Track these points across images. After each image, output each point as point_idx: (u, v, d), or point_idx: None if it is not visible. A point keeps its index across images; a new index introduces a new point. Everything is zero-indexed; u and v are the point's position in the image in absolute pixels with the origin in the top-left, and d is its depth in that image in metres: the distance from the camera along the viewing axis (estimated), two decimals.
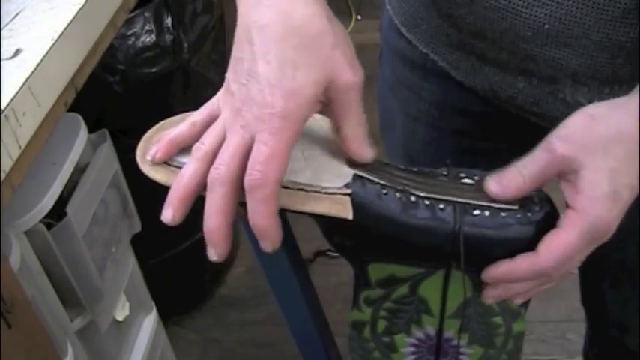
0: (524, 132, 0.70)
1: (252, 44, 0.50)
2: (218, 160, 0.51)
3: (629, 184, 0.52)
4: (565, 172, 0.53)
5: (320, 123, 0.63)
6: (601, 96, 0.64)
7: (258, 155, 0.49)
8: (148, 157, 0.57)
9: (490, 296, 0.59)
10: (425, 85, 0.77)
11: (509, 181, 0.55)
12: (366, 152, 0.56)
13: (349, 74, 0.52)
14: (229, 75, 0.53)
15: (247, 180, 0.49)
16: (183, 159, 0.58)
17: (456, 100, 0.75)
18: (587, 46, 0.61)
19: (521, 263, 0.54)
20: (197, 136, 0.55)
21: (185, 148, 0.58)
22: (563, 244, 0.52)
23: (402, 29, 0.77)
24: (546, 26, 0.61)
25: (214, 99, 0.56)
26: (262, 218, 0.50)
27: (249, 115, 0.50)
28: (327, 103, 0.53)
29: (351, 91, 0.52)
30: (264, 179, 0.49)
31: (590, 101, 0.63)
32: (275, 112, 0.49)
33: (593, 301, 0.96)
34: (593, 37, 0.60)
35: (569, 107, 0.63)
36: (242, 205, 0.53)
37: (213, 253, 0.53)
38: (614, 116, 0.52)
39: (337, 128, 0.55)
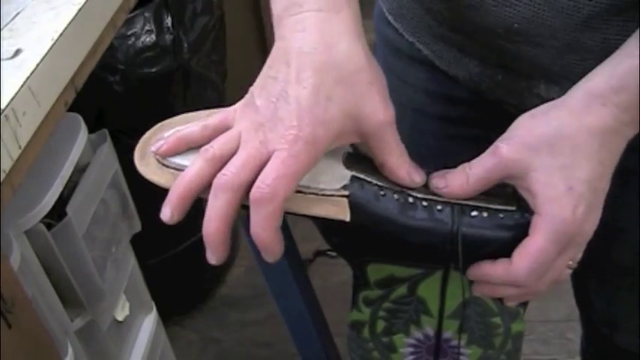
0: (507, 121, 0.71)
1: (290, 66, 0.51)
2: (228, 166, 0.51)
3: (586, 179, 0.51)
4: (516, 176, 0.53)
5: None
6: None
7: (272, 171, 0.49)
8: (152, 149, 0.57)
9: (478, 291, 0.59)
10: (411, 71, 0.78)
11: (453, 178, 0.56)
12: (415, 177, 0.56)
13: (382, 112, 0.53)
14: (255, 90, 0.54)
15: (255, 192, 0.50)
16: (181, 161, 0.58)
17: (441, 86, 0.76)
18: (556, 47, 0.62)
19: (497, 269, 0.55)
20: (207, 140, 0.55)
21: (186, 151, 0.58)
22: (532, 251, 0.52)
23: (390, 18, 0.78)
24: (515, 25, 0.62)
25: (231, 108, 0.56)
26: (264, 232, 0.51)
27: (272, 133, 0.50)
28: (362, 138, 0.54)
29: (386, 128, 0.54)
30: (272, 195, 0.49)
31: None
32: (301, 135, 0.49)
33: (582, 300, 0.97)
34: (561, 40, 0.61)
35: (544, 102, 0.65)
36: (244, 207, 0.53)
37: (212, 257, 0.54)
38: (553, 114, 0.53)
39: (380, 163, 0.56)
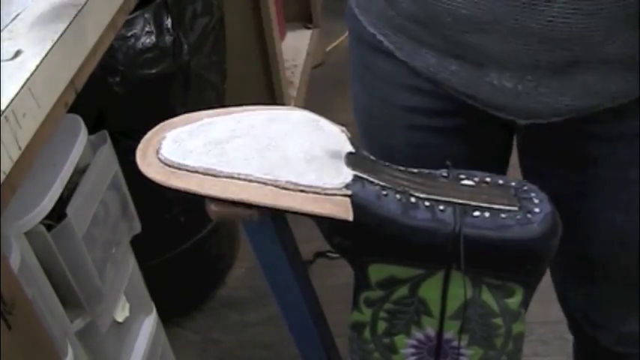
0: (467, 111, 0.74)
1: None
2: None
3: None
4: None
5: (321, 125, 0.63)
6: (524, 82, 0.67)
7: None
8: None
9: None
10: (377, 62, 0.80)
11: None
12: None
13: None
14: None
15: None
16: (183, 160, 0.58)
17: (404, 77, 0.78)
18: (502, 33, 0.64)
19: None
20: None
21: (192, 150, 0.58)
22: None
23: (356, 11, 0.80)
24: (463, 11, 0.64)
25: None
26: None
27: None
28: None
29: None
30: None
31: (514, 86, 0.67)
32: None
33: (563, 299, 0.98)
34: (505, 24, 0.63)
35: (497, 90, 0.68)
36: (247, 206, 0.53)
37: None
38: None
39: None
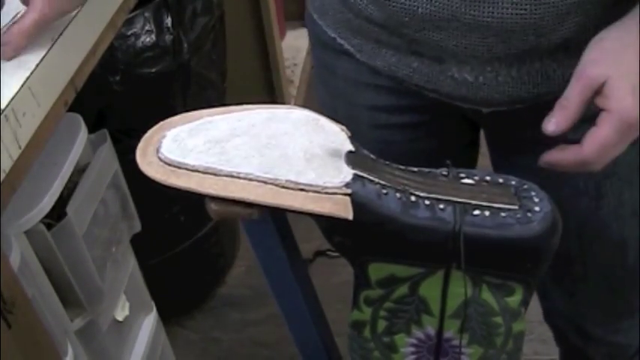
0: (431, 105, 0.77)
1: None
2: None
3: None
4: (597, 90, 0.61)
5: (321, 123, 0.63)
6: (484, 73, 0.70)
7: None
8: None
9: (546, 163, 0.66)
10: (338, 63, 0.82)
11: (556, 115, 0.62)
12: None
13: None
14: None
15: None
16: (183, 159, 0.58)
17: (366, 76, 0.80)
18: (458, 28, 0.66)
19: (568, 154, 0.63)
20: None
21: (192, 149, 0.58)
22: (601, 137, 0.60)
23: (315, 16, 0.82)
24: (420, 10, 0.66)
25: None
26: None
27: None
28: None
29: None
30: None
31: (475, 78, 0.70)
32: None
33: (546, 304, 0.98)
34: (462, 19, 0.65)
35: (458, 83, 0.71)
36: (247, 205, 0.53)
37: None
38: (614, 33, 0.62)
39: None
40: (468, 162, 0.91)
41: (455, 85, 0.72)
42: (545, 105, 0.64)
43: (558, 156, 0.64)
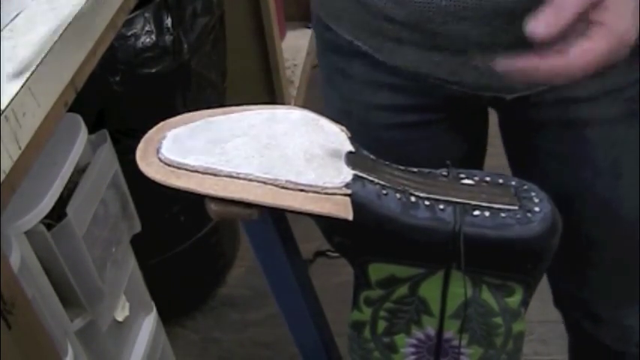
0: (449, 99, 0.77)
1: None
2: None
3: None
4: (596, 3, 0.57)
5: (320, 124, 0.63)
6: None
7: None
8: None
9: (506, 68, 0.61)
10: (353, 66, 0.82)
11: (550, 18, 0.57)
12: None
13: None
14: None
15: None
16: (183, 160, 0.58)
17: (382, 77, 0.80)
18: (483, 17, 0.66)
19: (552, 58, 0.58)
20: None
21: (192, 149, 0.58)
22: (592, 49, 0.57)
23: (327, 21, 0.82)
24: (443, 2, 0.66)
25: None
26: None
27: None
28: None
29: None
30: None
31: None
32: None
33: (557, 290, 0.98)
34: (486, 7, 0.65)
35: (482, 72, 0.71)
36: (247, 206, 0.53)
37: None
38: None
39: None
40: (480, 156, 0.92)
41: (479, 75, 0.72)
42: (565, 85, 0.64)
43: (539, 60, 0.60)
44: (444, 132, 0.84)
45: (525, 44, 0.67)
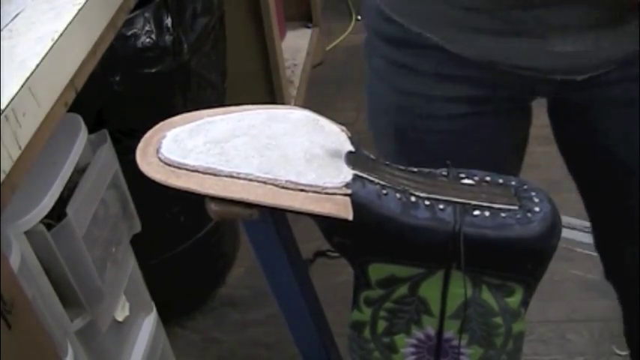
0: (520, 86, 0.78)
1: None
2: None
3: None
4: None
5: (321, 124, 0.63)
6: (586, 41, 0.71)
7: None
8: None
9: None
10: (420, 60, 0.81)
11: None
12: None
13: None
14: None
15: None
16: (183, 159, 0.58)
17: (452, 68, 0.80)
18: (568, 0, 0.67)
19: None
20: None
21: (192, 149, 0.58)
22: None
23: (393, 15, 0.81)
24: None
25: None
26: None
27: None
28: None
29: None
30: None
31: (577, 47, 0.71)
32: None
33: (607, 258, 0.98)
34: None
35: (559, 56, 0.72)
36: (247, 206, 0.53)
37: None
38: None
39: None
40: (524, 146, 0.93)
41: (554, 59, 0.73)
42: (632, 60, 0.66)
43: None
44: (506, 122, 0.85)
45: (602, 24, 0.69)
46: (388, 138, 0.90)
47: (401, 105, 0.86)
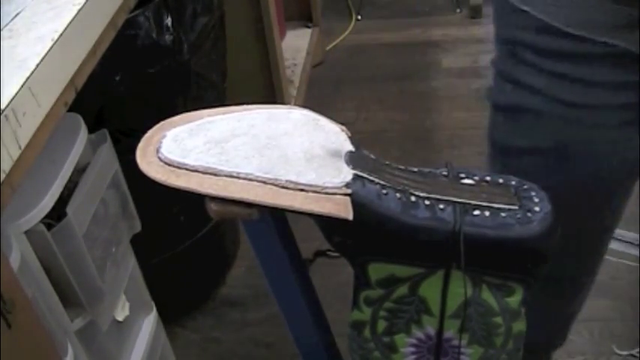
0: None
1: None
2: None
3: None
4: None
5: (321, 123, 0.63)
6: None
7: None
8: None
9: None
10: (598, 70, 0.80)
11: None
12: None
13: None
14: None
15: None
16: (183, 159, 0.58)
17: (630, 74, 0.79)
18: None
19: None
20: None
21: (192, 149, 0.58)
22: None
23: (569, 29, 0.80)
24: None
25: None
26: None
27: None
28: None
29: None
30: None
31: None
32: None
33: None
34: None
35: None
36: (247, 205, 0.53)
37: None
38: None
39: None
40: None
41: None
42: None
43: None
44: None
45: None
46: (540, 152, 0.87)
47: (562, 115, 0.84)
